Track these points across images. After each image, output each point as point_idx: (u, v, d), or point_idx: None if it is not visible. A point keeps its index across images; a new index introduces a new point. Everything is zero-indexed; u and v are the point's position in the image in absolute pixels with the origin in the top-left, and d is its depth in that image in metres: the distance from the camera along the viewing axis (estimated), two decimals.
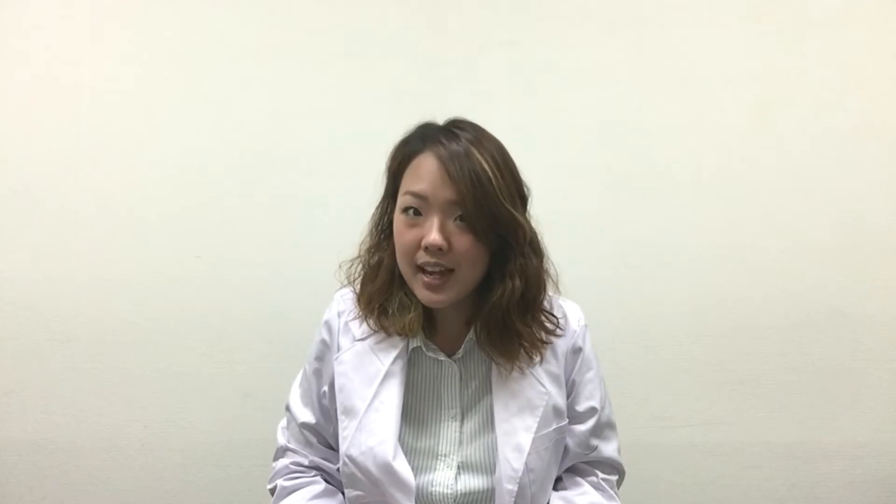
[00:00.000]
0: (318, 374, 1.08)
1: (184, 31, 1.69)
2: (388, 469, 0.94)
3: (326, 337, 1.07)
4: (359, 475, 0.96)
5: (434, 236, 0.90)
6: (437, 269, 0.93)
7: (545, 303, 1.02)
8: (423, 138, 0.97)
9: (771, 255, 1.67)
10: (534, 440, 0.97)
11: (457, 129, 0.96)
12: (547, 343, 1.01)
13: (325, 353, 1.07)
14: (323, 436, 1.08)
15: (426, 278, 0.94)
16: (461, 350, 1.03)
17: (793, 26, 1.66)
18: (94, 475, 1.71)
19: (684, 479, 1.71)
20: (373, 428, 0.96)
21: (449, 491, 0.98)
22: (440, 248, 0.90)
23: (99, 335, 1.69)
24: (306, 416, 1.08)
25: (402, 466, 0.95)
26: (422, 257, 0.93)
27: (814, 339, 1.68)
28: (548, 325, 1.02)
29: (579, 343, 1.07)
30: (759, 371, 1.69)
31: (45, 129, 1.68)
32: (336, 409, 1.03)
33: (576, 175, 1.68)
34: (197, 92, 1.69)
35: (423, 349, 1.03)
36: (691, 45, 1.67)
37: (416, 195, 0.92)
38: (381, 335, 1.02)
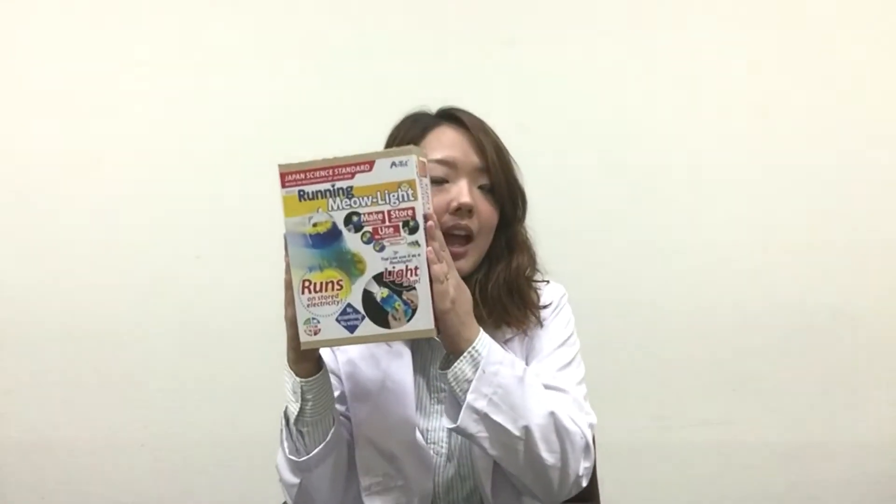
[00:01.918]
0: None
1: (184, 31, 1.69)
2: (412, 446, 0.92)
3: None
4: (377, 458, 0.94)
5: (467, 197, 0.91)
6: (461, 232, 0.93)
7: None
8: (433, 116, 0.99)
9: (771, 255, 1.67)
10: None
11: (458, 110, 0.98)
12: (545, 307, 1.01)
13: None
14: None
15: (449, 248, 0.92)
16: None
17: (793, 26, 1.65)
18: (94, 475, 1.71)
19: (684, 479, 1.71)
20: (389, 406, 0.94)
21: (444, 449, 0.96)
22: (470, 210, 0.91)
23: (99, 335, 1.69)
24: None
25: (424, 444, 0.94)
26: (449, 221, 0.92)
27: (814, 339, 1.67)
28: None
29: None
30: (759, 371, 1.68)
31: (45, 129, 1.68)
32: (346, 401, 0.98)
33: (576, 175, 1.68)
34: (197, 92, 1.69)
35: None
36: (692, 46, 1.67)
37: (443, 162, 0.92)
38: None
